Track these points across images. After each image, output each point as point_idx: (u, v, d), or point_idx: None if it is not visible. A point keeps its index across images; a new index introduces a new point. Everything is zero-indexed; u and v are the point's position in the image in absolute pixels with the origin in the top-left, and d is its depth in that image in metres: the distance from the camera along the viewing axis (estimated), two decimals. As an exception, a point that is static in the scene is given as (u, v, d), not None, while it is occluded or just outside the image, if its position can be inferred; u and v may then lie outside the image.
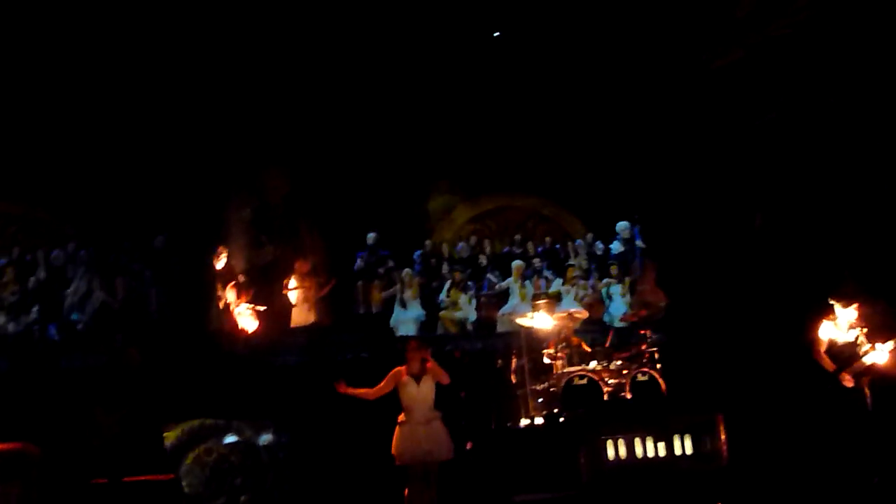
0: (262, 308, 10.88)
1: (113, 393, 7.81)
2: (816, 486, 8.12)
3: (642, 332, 9.92)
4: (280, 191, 13.17)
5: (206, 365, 9.80)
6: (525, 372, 9.83)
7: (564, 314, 9.97)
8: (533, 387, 9.73)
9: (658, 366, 9.54)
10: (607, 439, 8.44)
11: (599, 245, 13.43)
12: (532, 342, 9.99)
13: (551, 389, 9.48)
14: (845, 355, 8.15)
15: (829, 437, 8.42)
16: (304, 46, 12.27)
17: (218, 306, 10.71)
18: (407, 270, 12.46)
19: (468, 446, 9.17)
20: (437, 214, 14.15)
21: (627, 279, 12.68)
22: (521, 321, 10.16)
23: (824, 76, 10.94)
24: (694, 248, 11.90)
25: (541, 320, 9.83)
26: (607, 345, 9.94)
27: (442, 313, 12.40)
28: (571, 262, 13.08)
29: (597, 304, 12.41)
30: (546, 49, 12.62)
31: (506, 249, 13.79)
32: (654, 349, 9.65)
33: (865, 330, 8.19)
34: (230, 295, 10.73)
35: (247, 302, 10.77)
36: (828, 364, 8.18)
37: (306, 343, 11.01)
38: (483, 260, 13.25)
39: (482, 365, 10.65)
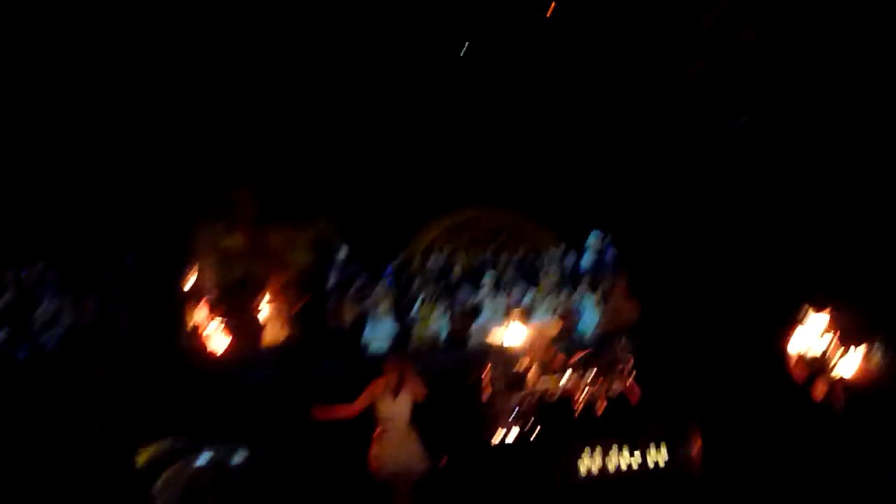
0: (233, 325, 10.82)
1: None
2: (791, 494, 8.15)
3: (616, 342, 9.93)
4: (251, 207, 13.10)
5: (177, 384, 9.74)
6: (498, 386, 9.81)
7: (537, 327, 9.97)
8: (506, 401, 9.70)
9: (631, 376, 9.54)
10: (581, 452, 8.44)
11: (571, 257, 13.46)
12: (505, 356, 9.98)
13: (524, 403, 9.46)
14: (818, 363, 8.19)
15: (803, 444, 8.46)
16: (273, 62, 12.23)
17: (188, 324, 10.64)
18: (379, 285, 12.42)
19: (443, 461, 9.14)
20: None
21: (599, 290, 12.70)
22: (493, 335, 10.15)
23: (793, 84, 11.02)
24: (666, 256, 11.94)
25: (513, 334, 9.82)
26: (574, 360, 9.94)
27: (414, 328, 12.37)
28: (543, 274, 13.09)
29: (569, 316, 12.41)
30: (516, 61, 12.65)
31: (478, 262, 13.78)
32: (628, 359, 9.66)
33: (838, 335, 8.23)
34: (201, 313, 10.67)
35: (218, 319, 10.71)
36: (800, 372, 8.21)
37: (279, 360, 10.96)
38: (456, 273, 13.23)
39: (455, 380, 10.63)
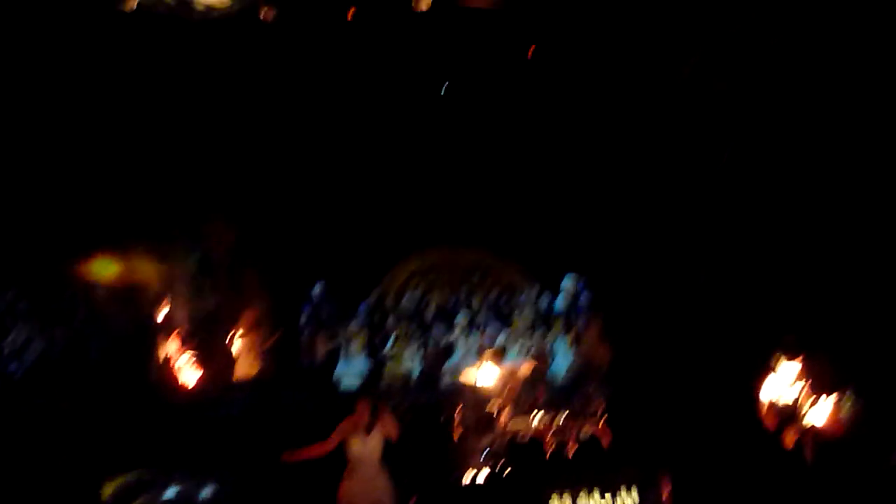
0: (204, 358, 10.76)
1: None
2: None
3: (588, 385, 9.95)
4: (224, 240, 13.05)
5: (147, 416, 9.66)
6: (469, 426, 9.79)
7: (509, 368, 9.97)
8: (477, 441, 9.68)
9: (603, 419, 9.56)
10: (551, 495, 8.41)
11: (546, 298, 13.46)
12: (476, 397, 9.97)
13: (495, 444, 9.45)
14: (789, 411, 8.22)
15: (772, 492, 8.46)
16: (246, 96, 12.23)
17: (159, 356, 10.58)
18: (352, 322, 12.39)
19: (412, 501, 9.08)
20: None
21: (573, 332, 12.70)
22: (465, 376, 10.14)
23: (765, 131, 11.16)
24: (640, 301, 11.98)
25: (486, 374, 9.82)
26: (540, 402, 9.94)
27: (387, 366, 12.32)
28: (516, 316, 13.08)
29: (541, 358, 12.40)
30: (490, 102, 12.72)
31: (451, 302, 13.75)
32: (600, 402, 9.68)
33: (809, 383, 8.27)
34: (172, 345, 10.61)
35: (189, 352, 10.65)
36: (771, 420, 8.23)
37: (249, 395, 10.89)
38: (429, 312, 13.21)
39: (427, 418, 10.59)
